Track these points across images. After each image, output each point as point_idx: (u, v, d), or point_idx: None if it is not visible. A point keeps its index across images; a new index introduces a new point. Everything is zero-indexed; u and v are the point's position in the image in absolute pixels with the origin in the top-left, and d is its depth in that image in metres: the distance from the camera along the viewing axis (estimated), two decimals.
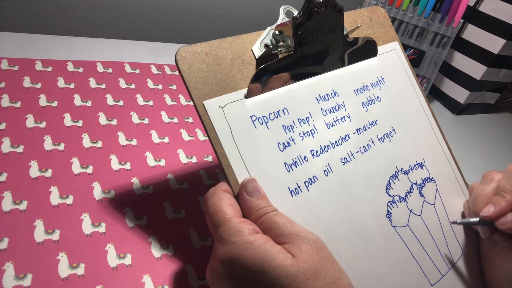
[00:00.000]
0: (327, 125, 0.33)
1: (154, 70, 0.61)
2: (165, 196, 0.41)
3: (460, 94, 0.80)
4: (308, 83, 0.34)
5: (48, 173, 0.39)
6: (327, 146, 0.33)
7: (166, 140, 0.49)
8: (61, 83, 0.52)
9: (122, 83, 0.55)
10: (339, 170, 0.32)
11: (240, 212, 0.28)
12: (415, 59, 0.72)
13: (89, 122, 0.47)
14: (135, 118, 0.50)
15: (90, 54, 0.59)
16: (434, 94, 0.85)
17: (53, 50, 0.58)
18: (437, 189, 0.38)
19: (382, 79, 0.39)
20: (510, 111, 0.92)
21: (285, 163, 0.30)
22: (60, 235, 0.34)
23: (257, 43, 0.32)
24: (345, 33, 0.35)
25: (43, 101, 0.48)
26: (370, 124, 0.36)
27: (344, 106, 0.35)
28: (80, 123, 0.46)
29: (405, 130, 0.39)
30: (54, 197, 0.37)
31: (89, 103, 0.50)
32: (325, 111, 0.34)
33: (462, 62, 0.79)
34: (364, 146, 0.35)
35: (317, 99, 0.34)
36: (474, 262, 0.37)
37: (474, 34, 0.76)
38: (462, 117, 0.82)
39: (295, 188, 0.30)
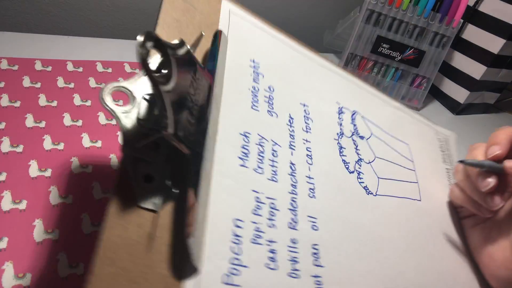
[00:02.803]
0: None
1: None
2: None
3: (460, 94, 0.80)
4: None
5: (48, 173, 0.39)
6: None
7: None
8: (60, 82, 0.51)
9: None
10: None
11: None
12: (415, 59, 0.72)
13: (89, 121, 0.47)
14: None
15: (90, 54, 0.59)
16: (434, 94, 0.85)
17: (52, 49, 0.57)
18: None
19: (253, 61, 0.31)
20: (510, 111, 0.92)
21: None
22: (59, 234, 0.34)
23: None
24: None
25: (42, 100, 0.48)
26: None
27: None
28: (79, 123, 0.46)
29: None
30: (54, 197, 0.37)
31: (88, 103, 0.50)
32: None
33: (462, 62, 0.79)
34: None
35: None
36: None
37: (474, 34, 0.76)
38: (462, 117, 0.82)
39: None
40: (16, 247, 0.32)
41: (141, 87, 0.22)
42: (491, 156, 0.31)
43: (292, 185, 0.27)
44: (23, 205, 0.36)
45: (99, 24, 0.74)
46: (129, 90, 0.22)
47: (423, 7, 0.69)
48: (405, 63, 0.73)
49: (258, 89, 0.29)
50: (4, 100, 0.46)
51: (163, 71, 0.22)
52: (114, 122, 0.48)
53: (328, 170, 0.30)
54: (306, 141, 0.30)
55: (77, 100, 0.50)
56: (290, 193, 0.27)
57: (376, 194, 0.33)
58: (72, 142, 0.44)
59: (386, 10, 0.70)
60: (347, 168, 0.32)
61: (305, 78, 0.34)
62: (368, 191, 0.32)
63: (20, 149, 0.41)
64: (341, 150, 0.33)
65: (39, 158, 0.40)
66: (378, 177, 0.34)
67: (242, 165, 0.25)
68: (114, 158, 0.43)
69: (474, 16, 0.75)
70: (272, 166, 0.27)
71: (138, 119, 0.21)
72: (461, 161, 0.33)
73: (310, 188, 0.28)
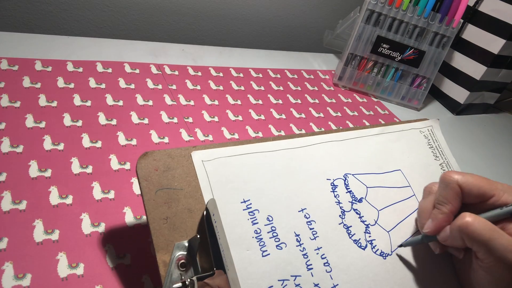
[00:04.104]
0: None
1: (153, 70, 0.61)
2: None
3: (460, 94, 0.80)
4: None
5: (48, 173, 0.39)
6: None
7: (166, 140, 0.49)
8: (60, 83, 0.52)
9: (122, 83, 0.55)
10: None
11: None
12: (415, 59, 0.72)
13: (89, 122, 0.47)
14: (134, 118, 0.50)
15: (90, 54, 0.59)
16: (434, 94, 0.85)
17: (52, 50, 0.58)
18: None
19: (244, 200, 0.32)
20: (510, 111, 0.92)
21: None
22: (59, 235, 0.34)
23: None
24: None
25: (42, 101, 0.48)
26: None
27: None
28: (79, 123, 0.46)
29: None
30: (54, 197, 0.37)
31: (88, 103, 0.50)
32: None
33: (462, 62, 0.79)
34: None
35: None
36: None
37: (474, 34, 0.76)
38: (462, 117, 0.82)
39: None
40: (16, 248, 0.32)
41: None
42: (425, 232, 0.31)
43: None
44: (23, 205, 0.36)
45: (99, 24, 0.74)
46: None
47: (423, 7, 0.69)
48: (405, 63, 0.73)
49: (261, 230, 0.29)
50: (4, 100, 0.46)
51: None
52: (114, 122, 0.48)
53: (346, 265, 0.31)
54: (318, 248, 0.31)
55: (77, 100, 0.50)
56: None
57: (392, 252, 0.33)
58: (72, 142, 0.44)
59: (386, 10, 0.70)
60: (360, 246, 0.32)
61: (290, 175, 0.33)
62: (384, 255, 0.33)
63: (20, 149, 0.41)
64: (349, 231, 0.33)
65: (39, 158, 0.40)
66: (388, 231, 0.34)
67: None
68: (114, 158, 0.43)
69: (474, 16, 0.75)
70: None
71: None
72: (400, 246, 0.34)
73: None
